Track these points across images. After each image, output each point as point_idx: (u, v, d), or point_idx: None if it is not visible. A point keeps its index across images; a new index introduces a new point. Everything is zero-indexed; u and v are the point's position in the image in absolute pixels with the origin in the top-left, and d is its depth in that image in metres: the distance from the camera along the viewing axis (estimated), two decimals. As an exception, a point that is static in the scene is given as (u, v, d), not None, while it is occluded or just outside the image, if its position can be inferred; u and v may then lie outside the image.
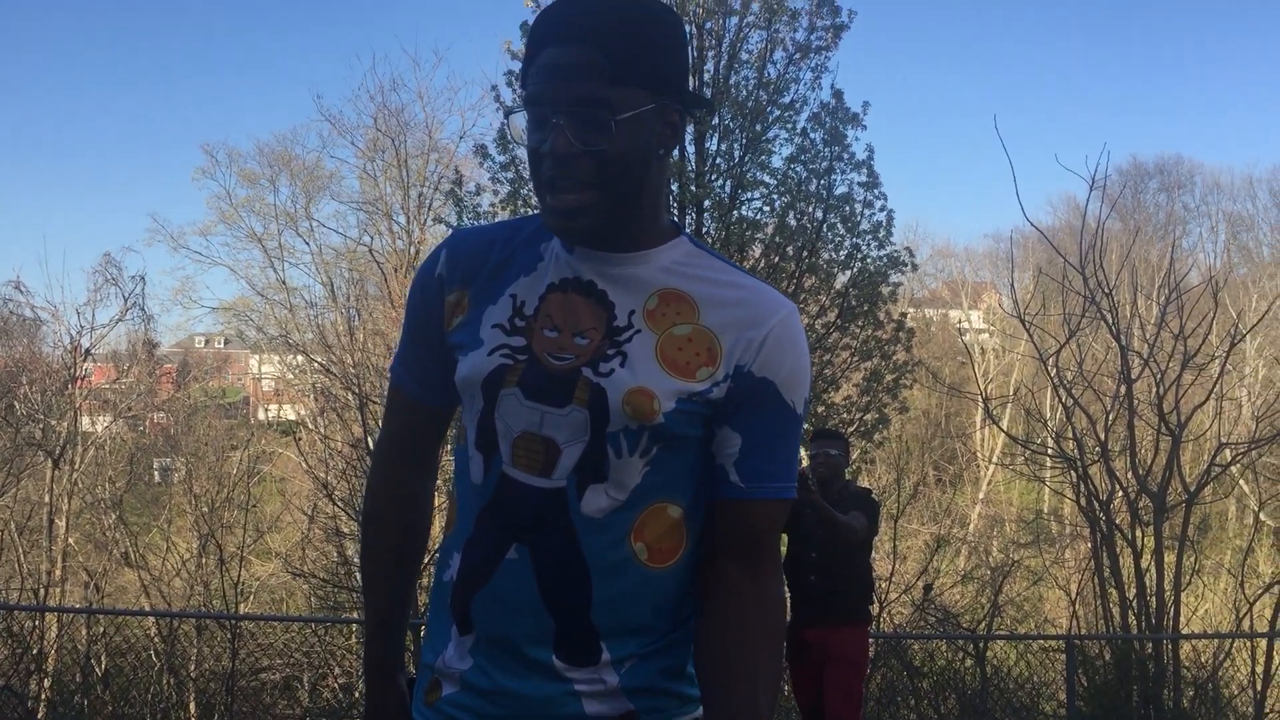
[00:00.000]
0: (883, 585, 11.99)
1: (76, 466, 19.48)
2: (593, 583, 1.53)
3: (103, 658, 11.35)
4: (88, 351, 20.80)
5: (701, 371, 1.53)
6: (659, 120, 1.53)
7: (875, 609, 11.11)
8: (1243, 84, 67.54)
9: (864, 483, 16.28)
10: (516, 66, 10.47)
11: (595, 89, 1.47)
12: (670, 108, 1.54)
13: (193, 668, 10.85)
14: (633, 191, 1.54)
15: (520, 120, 1.73)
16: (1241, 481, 20.08)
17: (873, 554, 6.38)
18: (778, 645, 1.58)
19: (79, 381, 20.72)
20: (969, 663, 10.10)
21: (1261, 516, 19.78)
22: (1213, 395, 11.85)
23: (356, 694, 10.10)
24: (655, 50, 1.52)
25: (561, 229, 1.53)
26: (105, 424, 23.10)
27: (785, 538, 6.13)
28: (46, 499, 18.51)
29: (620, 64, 1.48)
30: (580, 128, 1.47)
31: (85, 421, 21.56)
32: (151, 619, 12.05)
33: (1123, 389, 10.58)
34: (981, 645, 10.12)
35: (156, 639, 11.34)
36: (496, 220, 10.40)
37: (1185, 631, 11.09)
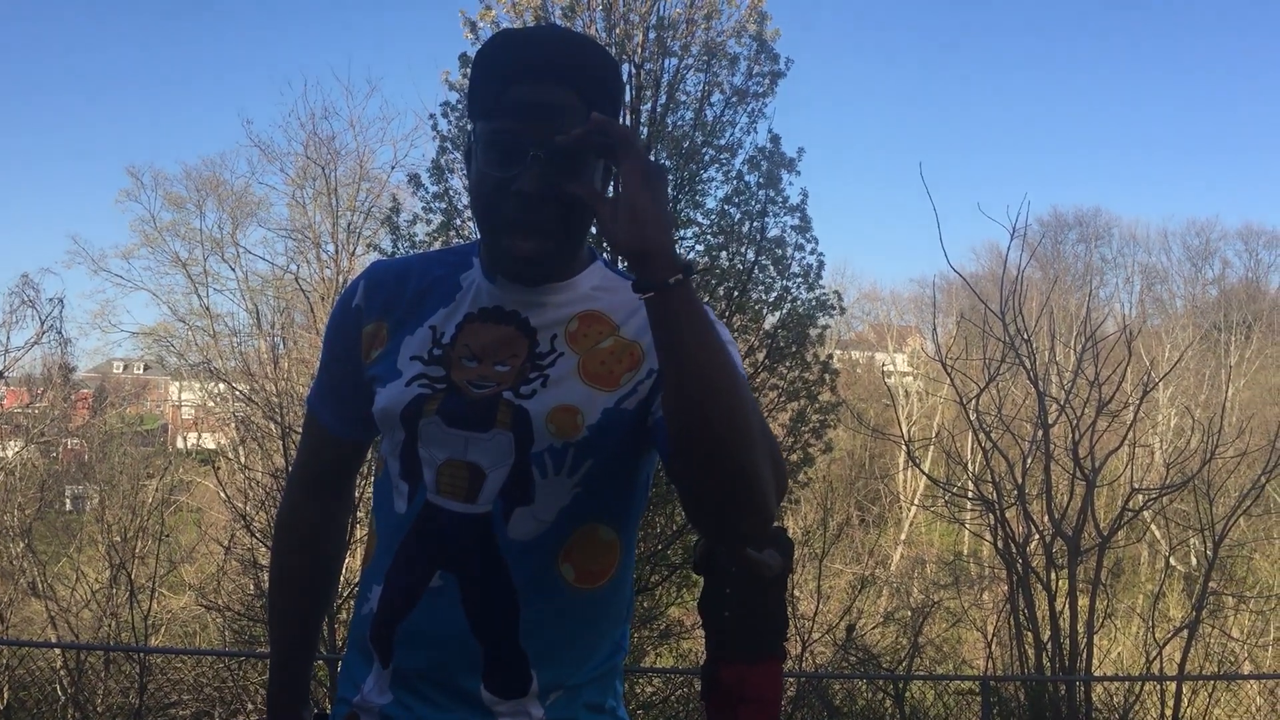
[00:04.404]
0: (806, 625, 12.05)
1: (-16, 492, 18.87)
2: (520, 605, 1.52)
3: (4, 691, 10.97)
4: (1, 374, 20.22)
5: (625, 376, 1.54)
6: (604, 166, 1.56)
7: (797, 648, 11.17)
8: (1160, 140, 69.94)
9: (789, 522, 16.42)
10: (454, 98, 10.45)
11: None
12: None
13: (99, 702, 10.53)
14: (584, 235, 1.57)
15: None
16: (1153, 526, 20.53)
17: (788, 591, 6.45)
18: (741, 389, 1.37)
19: (-10, 405, 20.13)
20: (888, 703, 10.19)
21: (1171, 561, 20.25)
22: (1126, 441, 12.12)
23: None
24: (616, 96, 1.55)
25: (517, 273, 1.53)
26: (16, 449, 22.43)
27: (700, 576, 6.22)
28: (-49, 525, 17.89)
29: (592, 108, 1.47)
30: (557, 171, 1.47)
31: (-5, 446, 20.94)
32: (58, 651, 11.65)
33: (1040, 434, 10.78)
34: (901, 686, 10.21)
35: (62, 672, 10.98)
36: (430, 250, 10.36)
37: (1098, 673, 11.28)
